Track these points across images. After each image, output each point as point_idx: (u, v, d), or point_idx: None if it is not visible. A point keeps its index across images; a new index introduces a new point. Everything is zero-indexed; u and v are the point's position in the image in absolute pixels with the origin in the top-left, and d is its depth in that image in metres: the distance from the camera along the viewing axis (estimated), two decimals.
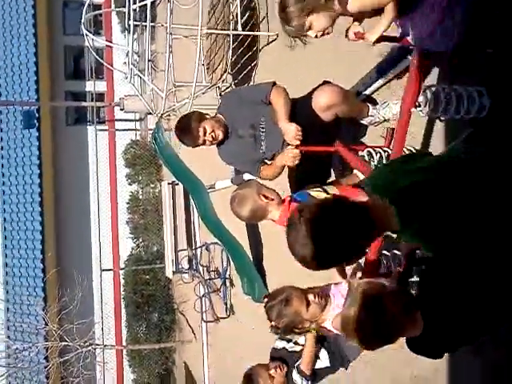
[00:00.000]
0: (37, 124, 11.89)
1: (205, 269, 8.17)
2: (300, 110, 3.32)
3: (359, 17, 2.61)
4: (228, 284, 7.36)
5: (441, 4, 2.44)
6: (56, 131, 12.48)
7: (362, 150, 3.46)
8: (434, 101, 2.82)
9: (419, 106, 2.84)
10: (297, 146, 3.14)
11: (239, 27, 5.66)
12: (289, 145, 3.22)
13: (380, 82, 3.64)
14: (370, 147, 3.42)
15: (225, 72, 6.09)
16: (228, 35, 5.78)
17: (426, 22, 2.51)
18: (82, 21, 6.30)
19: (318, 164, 3.50)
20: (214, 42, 6.51)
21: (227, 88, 6.93)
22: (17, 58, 11.99)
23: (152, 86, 5.86)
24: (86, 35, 6.06)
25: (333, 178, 3.74)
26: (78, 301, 9.40)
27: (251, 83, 6.31)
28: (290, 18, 2.38)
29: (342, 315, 1.64)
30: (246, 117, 3.42)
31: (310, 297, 2.68)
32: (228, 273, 7.31)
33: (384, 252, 3.04)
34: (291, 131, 3.11)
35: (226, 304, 7.38)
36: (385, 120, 3.56)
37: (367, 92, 3.75)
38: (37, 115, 11.86)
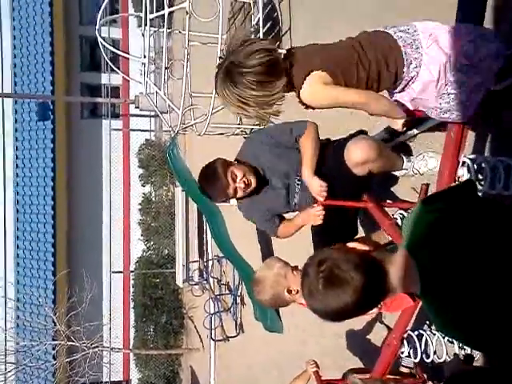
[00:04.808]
0: (51, 116, 11.74)
1: (215, 281, 7.99)
2: (331, 157, 3.00)
3: None
4: (239, 301, 7.15)
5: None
6: (70, 124, 12.32)
7: (392, 208, 3.19)
8: (477, 175, 2.54)
9: (459, 180, 2.57)
10: (322, 202, 2.84)
11: None
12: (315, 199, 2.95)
13: (414, 131, 3.34)
14: (402, 207, 3.14)
15: None
16: None
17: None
18: (97, 27, 6.05)
19: (343, 218, 3.21)
20: None
21: None
22: (33, 47, 11.79)
23: (168, 102, 5.59)
24: (103, 45, 5.79)
25: (360, 233, 3.47)
26: (87, 302, 9.34)
27: None
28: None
29: None
30: (280, 164, 2.98)
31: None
32: (239, 291, 7.10)
33: (410, 333, 2.79)
34: (314, 187, 2.82)
35: (235, 322, 7.19)
36: (419, 174, 3.26)
37: (400, 139, 3.45)
38: (51, 107, 11.71)
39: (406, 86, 2.20)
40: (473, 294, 1.29)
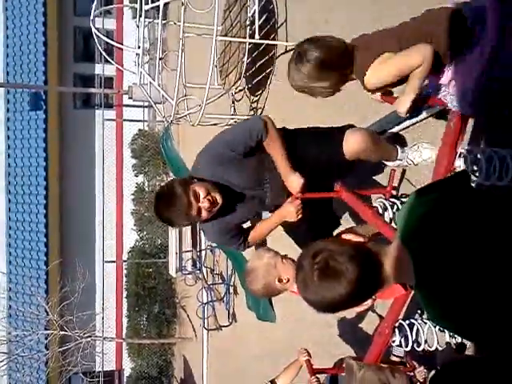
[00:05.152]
0: (44, 106, 11.69)
1: (208, 271, 8.03)
2: (311, 147, 2.91)
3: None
4: (232, 291, 7.21)
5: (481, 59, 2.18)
6: (63, 114, 12.27)
7: (366, 195, 3.24)
8: (473, 166, 2.58)
9: (455, 172, 2.61)
10: (298, 195, 2.74)
11: (256, 35, 5.36)
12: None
13: (407, 122, 3.38)
14: (375, 193, 3.20)
15: (239, 79, 5.83)
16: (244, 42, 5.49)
17: (464, 80, 2.27)
18: (91, 18, 6.03)
19: (321, 210, 3.11)
20: (229, 44, 6.22)
21: (241, 91, 6.68)
22: (26, 37, 11.71)
23: (163, 92, 5.60)
24: (97, 36, 5.78)
25: (342, 223, 3.51)
26: (80, 292, 9.36)
27: (265, 91, 6.06)
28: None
29: None
30: (245, 176, 2.69)
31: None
32: (232, 280, 7.15)
33: (401, 322, 2.85)
34: (295, 185, 2.70)
35: (228, 311, 7.25)
36: (413, 164, 3.30)
37: (394, 130, 3.49)
38: (44, 97, 11.65)
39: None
40: (465, 286, 1.31)
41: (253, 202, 2.78)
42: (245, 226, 3.01)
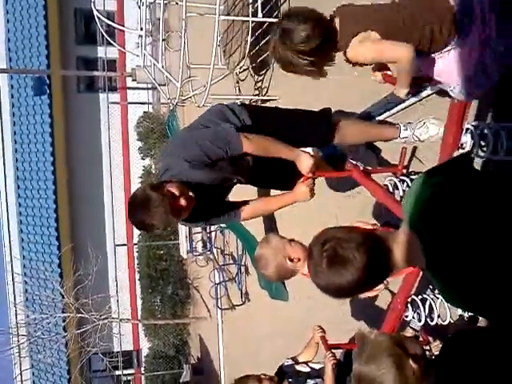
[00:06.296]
0: (48, 91, 11.65)
1: (219, 252, 8.09)
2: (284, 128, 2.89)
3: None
4: (243, 271, 7.26)
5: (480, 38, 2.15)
6: (67, 98, 12.23)
7: (377, 174, 3.24)
8: (480, 141, 2.56)
9: (462, 147, 2.60)
10: (312, 175, 2.75)
11: (259, 13, 5.28)
12: None
13: (412, 100, 3.34)
14: (384, 172, 3.20)
15: (243, 59, 5.77)
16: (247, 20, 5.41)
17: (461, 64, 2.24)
18: None
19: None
20: (232, 23, 6.15)
21: (245, 71, 6.61)
22: (27, 20, 11.60)
23: (167, 74, 5.57)
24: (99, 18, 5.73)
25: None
26: (93, 275, 9.47)
27: (270, 70, 6.00)
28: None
29: (359, 371, 1.57)
30: (215, 175, 2.72)
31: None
32: (243, 260, 7.20)
33: (414, 297, 2.87)
34: (309, 163, 2.69)
35: (241, 291, 7.32)
36: (420, 141, 3.27)
37: (397, 109, 3.46)
38: (48, 82, 11.60)
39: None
40: (475, 265, 1.33)
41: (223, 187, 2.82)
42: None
